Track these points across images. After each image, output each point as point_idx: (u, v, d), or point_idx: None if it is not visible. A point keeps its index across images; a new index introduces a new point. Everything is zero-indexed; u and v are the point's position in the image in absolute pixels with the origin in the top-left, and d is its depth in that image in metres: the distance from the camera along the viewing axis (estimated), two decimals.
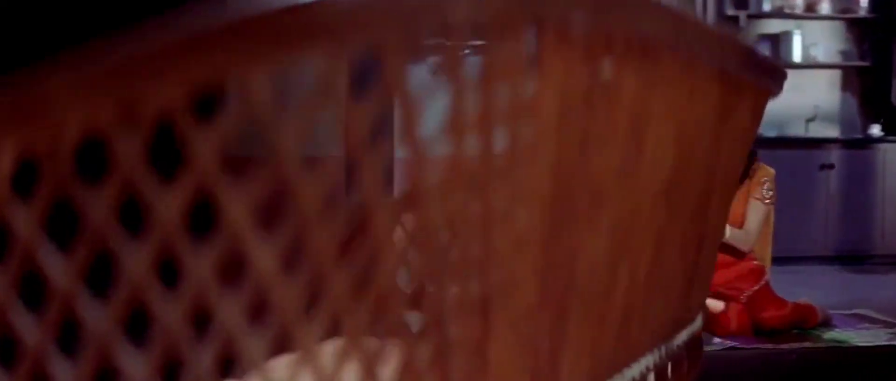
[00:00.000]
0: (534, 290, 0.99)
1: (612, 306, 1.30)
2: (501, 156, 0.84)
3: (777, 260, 8.42)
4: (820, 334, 5.30)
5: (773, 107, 8.04)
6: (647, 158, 1.17)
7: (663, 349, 1.68)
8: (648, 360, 1.60)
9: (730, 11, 8.98)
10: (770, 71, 1.75)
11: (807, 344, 5.05)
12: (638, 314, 1.47)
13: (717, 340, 5.05)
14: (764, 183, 5.34)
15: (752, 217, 5.33)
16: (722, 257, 5.31)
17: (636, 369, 1.54)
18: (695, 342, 1.93)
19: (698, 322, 1.97)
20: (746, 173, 5.36)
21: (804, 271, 8.26)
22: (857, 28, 9.21)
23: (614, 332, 1.39)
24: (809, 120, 9.16)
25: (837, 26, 9.23)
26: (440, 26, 0.73)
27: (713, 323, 5.23)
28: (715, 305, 5.30)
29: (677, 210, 1.47)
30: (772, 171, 5.41)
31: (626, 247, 1.24)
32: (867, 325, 5.57)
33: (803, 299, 5.61)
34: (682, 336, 1.83)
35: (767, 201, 5.34)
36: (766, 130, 8.97)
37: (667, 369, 1.77)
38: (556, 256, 1.01)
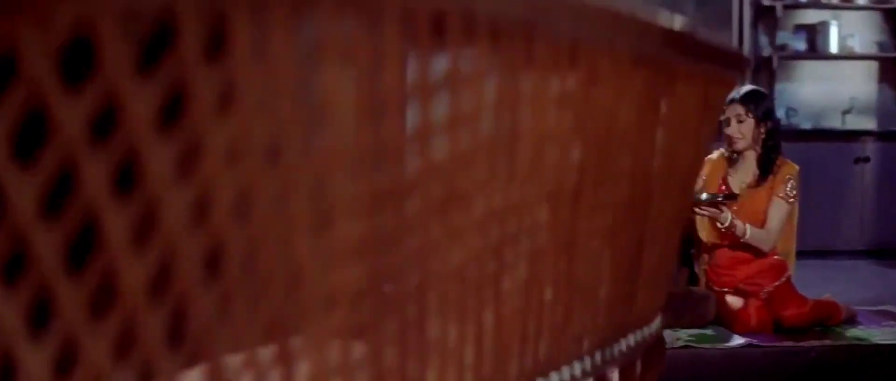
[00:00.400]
0: (364, 302, 0.89)
1: (502, 311, 1.20)
2: (275, 163, 0.74)
3: (809, 254, 8.29)
4: (842, 331, 5.15)
5: (809, 98, 7.90)
6: (525, 155, 1.06)
7: (598, 355, 1.58)
8: (576, 368, 1.50)
9: (766, 2, 8.82)
10: (719, 56, 1.63)
11: (827, 342, 4.90)
12: (552, 322, 1.36)
13: (736, 337, 4.91)
14: (788, 181, 5.19)
15: (775, 216, 5.18)
16: (742, 254, 5.19)
17: (556, 377, 1.44)
18: (649, 345, 1.82)
19: (655, 325, 1.86)
20: (769, 170, 5.21)
21: (837, 265, 8.11)
22: (894, 19, 9.02)
23: (517, 339, 1.28)
24: (845, 112, 8.97)
25: (874, 17, 9.05)
26: (162, 4, 0.63)
27: (732, 320, 5.10)
28: (734, 301, 5.17)
29: (596, 213, 1.37)
30: (796, 167, 5.26)
31: (513, 252, 1.14)
32: (892, 322, 5.41)
33: (827, 296, 5.46)
34: (630, 341, 1.73)
35: (791, 199, 5.19)
36: (802, 121, 8.81)
37: (609, 374, 1.67)
38: (394, 263, 0.91)
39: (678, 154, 1.65)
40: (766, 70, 8.94)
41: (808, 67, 9.00)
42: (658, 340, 1.96)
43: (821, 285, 7.03)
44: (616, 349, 1.66)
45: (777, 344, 4.85)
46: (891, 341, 4.98)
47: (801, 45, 8.90)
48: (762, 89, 5.35)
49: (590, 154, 1.26)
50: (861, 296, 6.42)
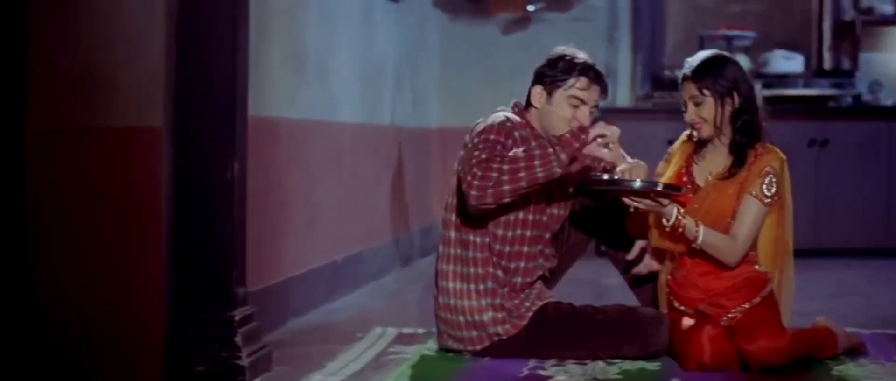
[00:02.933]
0: None
1: None
2: None
3: (888, 253, 7.09)
4: (828, 368, 3.99)
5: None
6: None
7: None
8: None
9: None
10: None
11: None
12: None
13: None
14: (765, 175, 3.98)
15: (744, 220, 3.97)
16: (705, 263, 4.04)
17: None
18: None
19: None
20: (743, 159, 4.03)
21: None
22: None
23: None
24: None
25: None
26: None
27: (680, 352, 3.99)
28: (687, 324, 4.05)
29: None
30: (780, 157, 4.06)
31: None
32: None
33: (821, 319, 4.28)
34: None
35: (767, 199, 3.99)
36: (886, 97, 7.98)
37: None
38: None
39: None
40: (849, 37, 8.04)
41: None
42: None
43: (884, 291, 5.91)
44: None
45: None
46: None
47: (888, 7, 8.03)
48: (721, 53, 4.15)
49: None
50: None
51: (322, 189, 5.48)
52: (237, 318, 3.82)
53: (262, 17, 4.46)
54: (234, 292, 3.86)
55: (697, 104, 4.02)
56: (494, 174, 3.80)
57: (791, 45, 7.97)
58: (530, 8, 7.95)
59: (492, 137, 3.95)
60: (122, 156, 3.72)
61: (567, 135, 3.90)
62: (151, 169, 3.72)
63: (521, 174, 3.82)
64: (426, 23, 7.89)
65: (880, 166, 7.49)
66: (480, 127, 4.02)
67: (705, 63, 4.05)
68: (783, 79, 7.86)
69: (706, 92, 4.00)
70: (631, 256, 4.27)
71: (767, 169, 4.00)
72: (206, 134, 3.81)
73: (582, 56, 4.10)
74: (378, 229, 6.60)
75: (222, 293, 3.85)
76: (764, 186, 3.99)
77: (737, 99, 4.02)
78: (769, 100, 7.82)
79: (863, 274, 6.62)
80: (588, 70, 4.06)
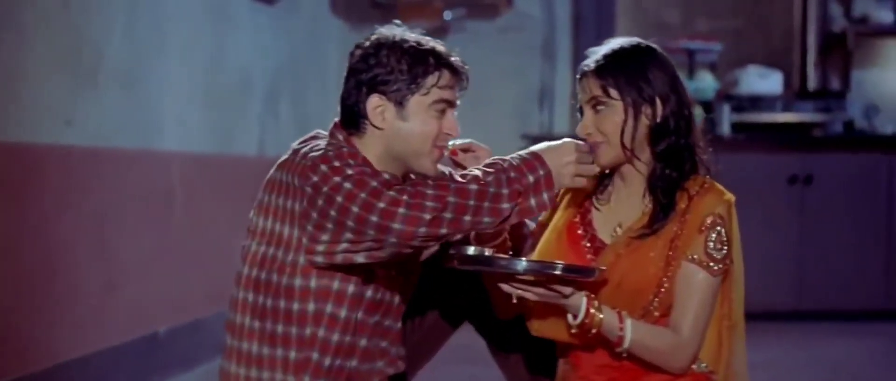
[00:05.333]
0: None
1: None
2: None
3: (885, 316, 6.52)
4: None
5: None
6: None
7: None
8: None
9: None
10: None
11: None
12: None
13: None
14: (710, 227, 2.59)
15: (688, 300, 2.57)
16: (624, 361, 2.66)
17: None
18: None
19: None
20: (671, 203, 2.65)
21: None
22: None
23: None
24: None
25: None
26: None
27: None
28: None
29: None
30: (727, 198, 2.65)
31: None
32: None
33: None
34: None
35: (718, 266, 2.60)
36: (885, 123, 7.26)
37: None
38: None
39: None
40: (839, 51, 7.41)
41: None
42: None
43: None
44: None
45: None
46: None
47: (887, 15, 7.32)
48: (648, 44, 2.76)
49: None
50: None
51: (129, 240, 4.22)
52: None
53: (10, 5, 3.29)
54: None
55: (598, 109, 2.64)
56: (429, 202, 2.45)
57: (768, 62, 7.23)
58: (448, 16, 6.96)
59: (354, 162, 2.61)
60: None
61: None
62: None
63: (486, 204, 2.49)
64: (320, 31, 6.74)
65: (877, 208, 6.68)
66: (319, 153, 2.63)
67: (619, 53, 2.66)
68: (758, 102, 7.07)
69: (613, 94, 2.61)
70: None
71: (711, 219, 2.59)
72: None
73: (418, 38, 2.73)
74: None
75: None
76: (710, 246, 2.59)
77: (660, 111, 2.63)
78: (741, 127, 7.04)
79: (859, 346, 5.71)
80: (444, 58, 2.70)
